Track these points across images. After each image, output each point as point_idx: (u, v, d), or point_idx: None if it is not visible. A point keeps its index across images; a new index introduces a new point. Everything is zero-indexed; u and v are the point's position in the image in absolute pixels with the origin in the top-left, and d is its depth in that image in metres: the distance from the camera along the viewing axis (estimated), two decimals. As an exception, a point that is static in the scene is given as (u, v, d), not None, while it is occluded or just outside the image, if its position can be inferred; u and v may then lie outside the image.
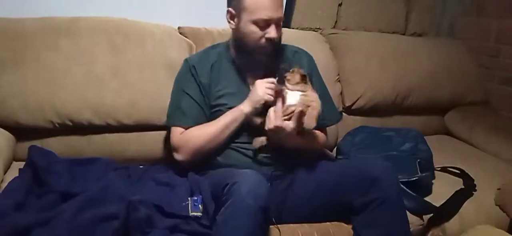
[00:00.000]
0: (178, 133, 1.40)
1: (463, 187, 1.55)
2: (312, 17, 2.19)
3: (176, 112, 1.44)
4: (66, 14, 1.57)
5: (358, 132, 1.77)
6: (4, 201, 1.14)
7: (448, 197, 1.47)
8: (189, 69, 1.44)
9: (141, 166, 1.50)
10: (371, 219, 1.21)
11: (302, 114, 1.29)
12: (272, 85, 1.33)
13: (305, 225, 1.29)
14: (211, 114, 1.41)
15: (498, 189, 1.51)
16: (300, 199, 1.34)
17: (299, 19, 2.16)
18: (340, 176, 1.31)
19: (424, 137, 1.72)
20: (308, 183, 1.35)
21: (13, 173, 1.34)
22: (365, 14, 2.30)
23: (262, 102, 1.32)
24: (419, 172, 1.49)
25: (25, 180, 1.27)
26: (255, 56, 1.37)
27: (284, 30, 2.03)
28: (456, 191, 1.51)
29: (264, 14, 1.31)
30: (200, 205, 1.22)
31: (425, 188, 1.52)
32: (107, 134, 1.54)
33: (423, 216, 1.44)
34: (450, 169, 1.67)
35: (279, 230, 1.23)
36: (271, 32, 1.33)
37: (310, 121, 1.29)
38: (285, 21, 2.10)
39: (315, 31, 2.17)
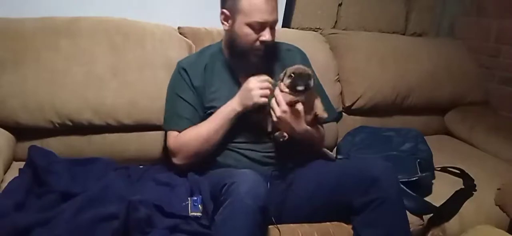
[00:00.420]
0: (173, 137, 1.41)
1: (463, 187, 1.55)
2: (312, 17, 2.19)
3: (172, 116, 1.44)
4: (66, 14, 1.57)
5: (358, 132, 1.77)
6: (4, 201, 1.14)
7: (448, 197, 1.47)
8: (181, 73, 1.44)
9: (141, 166, 1.50)
10: (371, 219, 1.21)
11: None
12: (267, 89, 1.30)
13: (305, 225, 1.29)
14: (206, 116, 1.40)
15: (498, 189, 1.51)
16: (300, 199, 1.34)
17: (299, 19, 2.16)
18: (340, 176, 1.30)
19: (424, 137, 1.72)
20: (308, 183, 1.35)
21: (13, 173, 1.34)
22: (365, 14, 2.30)
23: (256, 106, 1.30)
24: (419, 172, 1.49)
25: (25, 180, 1.27)
26: (248, 58, 1.36)
27: (284, 30, 2.05)
28: (456, 191, 1.51)
29: (259, 17, 1.31)
30: (199, 205, 1.22)
31: (425, 188, 1.52)
32: (107, 134, 1.54)
33: (423, 216, 1.44)
34: (450, 169, 1.67)
35: (279, 230, 1.23)
36: (266, 35, 1.33)
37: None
38: (285, 21, 2.11)
39: (315, 31, 2.17)
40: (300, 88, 1.28)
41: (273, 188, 1.32)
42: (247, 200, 1.07)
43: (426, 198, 1.46)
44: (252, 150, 1.38)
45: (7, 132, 1.45)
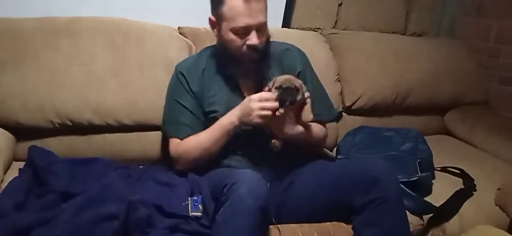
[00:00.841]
0: (175, 144, 1.40)
1: (463, 187, 1.55)
2: (312, 17, 2.19)
3: (171, 122, 1.43)
4: (66, 14, 1.57)
5: (358, 132, 1.77)
6: (4, 201, 1.14)
7: (448, 197, 1.47)
8: (179, 78, 1.42)
9: (141, 166, 1.50)
10: (371, 219, 1.21)
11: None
12: (270, 112, 1.25)
13: (305, 225, 1.29)
14: (206, 120, 1.40)
15: (498, 189, 1.51)
16: (300, 199, 1.34)
17: (299, 19, 2.16)
18: (340, 176, 1.30)
19: (424, 137, 1.72)
20: (308, 183, 1.34)
21: (13, 173, 1.34)
22: (365, 14, 2.30)
23: (255, 124, 1.28)
24: (419, 172, 1.49)
25: (25, 180, 1.27)
26: (240, 63, 1.34)
27: (284, 30, 2.04)
28: (456, 191, 1.51)
29: (241, 22, 1.28)
30: (200, 205, 1.22)
31: (425, 188, 1.52)
32: (107, 134, 1.54)
33: (423, 216, 1.44)
34: (450, 169, 1.67)
35: (279, 230, 1.23)
36: (252, 39, 1.29)
37: (307, 116, 1.31)
38: (285, 21, 2.10)
39: (315, 31, 2.17)
40: (287, 103, 1.26)
41: (273, 188, 1.32)
42: (248, 200, 1.07)
43: (426, 198, 1.46)
44: (252, 151, 1.38)
45: (7, 132, 1.45)
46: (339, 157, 1.68)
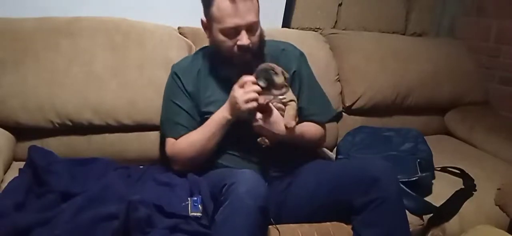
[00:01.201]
0: (170, 144, 1.40)
1: (463, 187, 1.55)
2: (312, 17, 2.19)
3: (167, 123, 1.43)
4: (66, 14, 1.57)
5: (358, 132, 1.77)
6: (4, 201, 1.14)
7: (448, 197, 1.47)
8: (174, 78, 1.42)
9: (141, 166, 1.50)
10: (371, 219, 1.21)
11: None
12: (254, 94, 1.26)
13: (305, 225, 1.29)
14: (202, 121, 1.39)
15: (498, 189, 1.51)
16: (300, 199, 1.34)
17: (299, 19, 2.16)
18: (340, 176, 1.30)
19: (424, 137, 1.72)
20: (308, 183, 1.34)
21: (13, 173, 1.34)
22: (365, 14, 2.30)
23: (246, 112, 1.28)
24: (419, 172, 1.49)
25: (25, 180, 1.27)
26: (233, 63, 1.33)
27: (284, 30, 2.04)
28: (456, 191, 1.51)
29: (230, 22, 1.27)
30: (199, 205, 1.22)
31: (425, 188, 1.52)
32: (107, 134, 1.54)
33: (423, 216, 1.44)
34: (450, 169, 1.67)
35: (278, 230, 1.23)
36: (242, 39, 1.28)
37: (288, 120, 1.29)
38: (285, 21, 2.10)
39: (315, 31, 2.17)
40: (261, 83, 1.26)
41: (273, 188, 1.32)
42: (247, 200, 1.07)
43: (426, 198, 1.46)
44: (250, 151, 1.37)
45: (7, 132, 1.45)
46: (339, 157, 1.68)
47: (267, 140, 1.31)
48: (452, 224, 1.43)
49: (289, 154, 1.39)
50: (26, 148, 1.40)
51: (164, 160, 1.53)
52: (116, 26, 1.58)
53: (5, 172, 1.35)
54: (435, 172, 1.62)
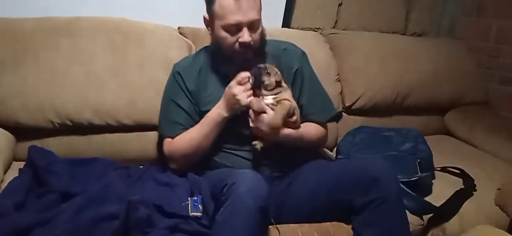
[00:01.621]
0: (167, 143, 1.41)
1: (463, 187, 1.55)
2: (312, 17, 2.19)
3: (165, 122, 1.44)
4: (66, 14, 1.57)
5: (358, 132, 1.77)
6: (4, 201, 1.14)
7: (448, 197, 1.47)
8: (176, 77, 1.43)
9: (141, 166, 1.50)
10: (371, 219, 1.21)
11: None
12: (249, 92, 1.29)
13: (305, 225, 1.29)
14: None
15: (498, 189, 1.50)
16: (300, 199, 1.34)
17: (299, 19, 2.16)
18: (340, 176, 1.30)
19: (424, 137, 1.72)
20: (308, 183, 1.34)
21: (13, 173, 1.34)
22: (365, 14, 2.30)
23: (245, 107, 1.29)
24: (419, 172, 1.49)
25: (25, 180, 1.27)
26: (234, 61, 1.34)
27: (284, 30, 2.04)
28: (456, 191, 1.51)
29: (232, 19, 1.28)
30: (200, 205, 1.22)
31: (425, 188, 1.52)
32: (107, 134, 1.54)
33: (423, 216, 1.44)
34: (450, 169, 1.67)
35: (278, 230, 1.23)
36: (244, 36, 1.29)
37: (276, 116, 1.29)
38: (285, 21, 2.10)
39: (315, 31, 2.17)
40: (253, 81, 1.29)
41: (273, 188, 1.32)
42: (248, 200, 1.07)
43: (426, 198, 1.46)
44: (250, 151, 1.37)
45: (7, 132, 1.45)
46: (339, 157, 1.68)
47: (261, 143, 1.32)
48: (452, 224, 1.43)
49: (289, 154, 1.39)
50: (26, 148, 1.40)
51: (164, 160, 1.53)
52: (116, 26, 1.58)
53: (5, 172, 1.35)
54: (435, 172, 1.62)
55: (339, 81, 1.95)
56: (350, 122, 1.92)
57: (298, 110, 1.38)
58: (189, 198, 1.25)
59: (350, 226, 1.28)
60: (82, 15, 1.58)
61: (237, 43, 1.31)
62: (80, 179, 1.30)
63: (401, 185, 1.37)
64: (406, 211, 1.29)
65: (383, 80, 1.97)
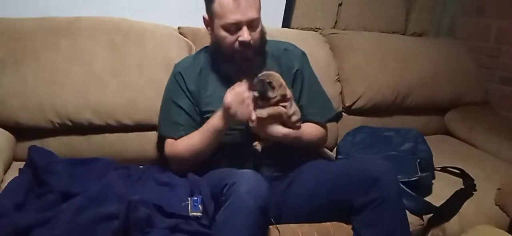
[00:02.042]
0: (169, 145, 1.41)
1: (463, 187, 1.55)
2: (312, 17, 2.19)
3: (165, 122, 1.43)
4: (66, 14, 1.57)
5: (358, 132, 1.77)
6: (4, 201, 1.14)
7: (448, 197, 1.47)
8: (177, 77, 1.42)
9: (141, 166, 1.50)
10: (371, 219, 1.21)
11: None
12: (250, 104, 1.26)
13: (305, 225, 1.29)
14: (202, 120, 1.39)
15: (498, 189, 1.51)
16: (300, 199, 1.34)
17: (299, 19, 2.16)
18: (340, 176, 1.30)
19: (424, 137, 1.72)
20: (308, 183, 1.34)
21: (13, 173, 1.34)
22: (365, 14, 2.30)
23: (245, 119, 1.28)
24: (419, 172, 1.49)
25: (25, 180, 1.27)
26: (234, 61, 1.34)
27: (284, 30, 2.04)
28: (456, 191, 1.51)
29: (231, 18, 1.28)
30: (200, 205, 1.22)
31: (425, 188, 1.52)
32: (107, 134, 1.54)
33: (423, 216, 1.44)
34: (450, 169, 1.67)
35: (278, 230, 1.23)
36: (243, 34, 1.29)
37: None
38: (285, 21, 2.10)
39: (315, 31, 2.17)
40: (255, 93, 1.27)
41: (273, 188, 1.32)
42: (248, 200, 1.07)
43: (426, 198, 1.46)
44: (250, 151, 1.37)
45: (7, 132, 1.45)
46: (339, 157, 1.68)
47: (261, 144, 1.33)
48: (452, 224, 1.43)
49: (289, 154, 1.39)
50: (26, 148, 1.40)
51: (164, 160, 1.53)
52: (116, 26, 1.58)
53: (5, 172, 1.35)
54: (435, 172, 1.62)
55: (339, 81, 1.95)
56: (350, 122, 1.92)
57: (299, 111, 1.37)
58: (189, 198, 1.25)
59: (350, 226, 1.28)
60: (82, 15, 1.58)
61: (237, 42, 1.31)
62: (80, 179, 1.30)
63: (401, 185, 1.37)
64: (406, 211, 1.29)
65: (383, 80, 1.97)
